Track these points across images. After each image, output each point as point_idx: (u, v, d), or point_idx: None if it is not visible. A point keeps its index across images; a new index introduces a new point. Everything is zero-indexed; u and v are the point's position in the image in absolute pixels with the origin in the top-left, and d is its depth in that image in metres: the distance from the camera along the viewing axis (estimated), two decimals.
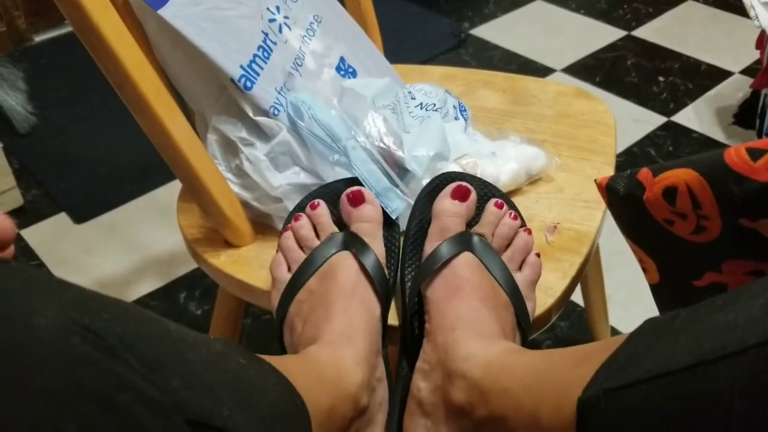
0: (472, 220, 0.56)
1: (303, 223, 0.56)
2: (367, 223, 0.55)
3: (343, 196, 0.56)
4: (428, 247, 0.53)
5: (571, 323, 1.06)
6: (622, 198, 0.43)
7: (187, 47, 0.57)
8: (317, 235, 0.56)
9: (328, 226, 0.56)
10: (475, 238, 0.53)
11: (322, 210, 0.56)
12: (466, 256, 0.51)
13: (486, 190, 0.57)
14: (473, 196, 0.55)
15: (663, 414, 0.29)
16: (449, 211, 0.54)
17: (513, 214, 0.56)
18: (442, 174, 0.58)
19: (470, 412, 0.43)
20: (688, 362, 0.29)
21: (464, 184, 0.55)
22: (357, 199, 0.55)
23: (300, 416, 0.37)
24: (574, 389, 0.34)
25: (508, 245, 0.54)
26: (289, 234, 0.56)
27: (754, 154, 0.36)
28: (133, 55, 0.51)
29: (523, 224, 0.56)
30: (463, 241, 0.52)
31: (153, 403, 0.25)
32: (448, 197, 0.55)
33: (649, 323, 0.34)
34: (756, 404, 0.26)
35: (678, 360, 0.29)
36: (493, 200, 0.56)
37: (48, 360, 0.23)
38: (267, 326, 1.07)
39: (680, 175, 0.39)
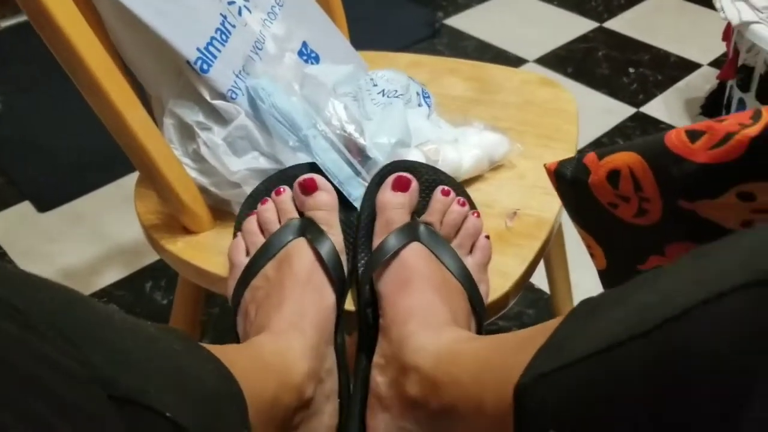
0: (423, 209, 0.56)
1: (268, 207, 0.56)
2: (322, 211, 0.54)
3: (296, 184, 0.55)
4: (376, 241, 0.53)
5: (538, 310, 1.06)
6: (570, 182, 0.44)
7: (143, 29, 0.56)
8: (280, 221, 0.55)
9: (290, 212, 0.55)
10: (422, 227, 0.52)
11: (286, 196, 0.56)
12: (414, 246, 0.51)
13: (435, 177, 0.57)
14: (414, 184, 0.54)
15: (585, 398, 0.29)
16: (391, 203, 0.53)
17: (461, 200, 0.55)
18: (390, 164, 0.57)
19: (425, 404, 0.43)
20: (602, 345, 0.29)
21: (403, 174, 0.55)
22: (310, 187, 0.55)
23: (235, 402, 0.37)
24: (515, 375, 0.33)
25: (459, 231, 0.54)
26: (252, 218, 0.56)
27: (693, 135, 0.37)
28: (84, 35, 0.50)
29: (473, 208, 0.56)
30: (410, 232, 0.52)
31: (70, 375, 0.25)
32: (389, 189, 0.54)
33: (584, 303, 0.34)
34: (662, 384, 0.26)
35: (598, 342, 0.30)
36: (439, 188, 0.55)
37: None
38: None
39: (623, 158, 0.39)
